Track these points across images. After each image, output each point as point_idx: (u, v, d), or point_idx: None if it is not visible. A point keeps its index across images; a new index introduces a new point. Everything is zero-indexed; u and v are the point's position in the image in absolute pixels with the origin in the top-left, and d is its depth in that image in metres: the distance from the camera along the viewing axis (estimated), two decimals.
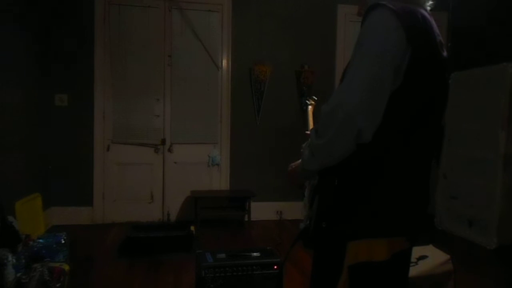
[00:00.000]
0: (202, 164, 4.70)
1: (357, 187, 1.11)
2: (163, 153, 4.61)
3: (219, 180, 4.74)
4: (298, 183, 1.33)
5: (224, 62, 4.70)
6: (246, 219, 4.50)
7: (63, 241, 2.96)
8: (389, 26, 1.03)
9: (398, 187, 1.12)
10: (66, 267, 2.72)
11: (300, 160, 1.22)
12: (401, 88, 1.05)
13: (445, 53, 1.14)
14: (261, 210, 4.60)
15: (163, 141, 4.60)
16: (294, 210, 4.78)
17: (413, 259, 2.20)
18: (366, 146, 1.05)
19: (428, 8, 1.18)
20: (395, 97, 1.05)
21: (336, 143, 1.06)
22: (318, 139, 1.10)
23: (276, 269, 2.41)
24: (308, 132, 1.40)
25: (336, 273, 1.14)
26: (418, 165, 1.14)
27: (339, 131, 1.04)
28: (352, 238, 1.12)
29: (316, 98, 1.79)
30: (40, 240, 2.90)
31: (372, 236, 1.11)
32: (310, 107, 1.75)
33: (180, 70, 4.61)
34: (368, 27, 1.07)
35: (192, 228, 3.72)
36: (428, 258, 2.40)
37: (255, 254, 2.50)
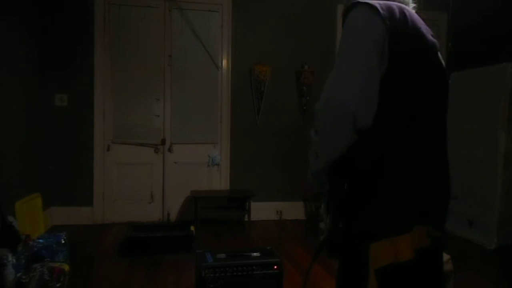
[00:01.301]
0: (202, 164, 4.70)
1: (365, 186, 1.11)
2: (163, 153, 4.61)
3: (219, 180, 4.74)
4: (312, 193, 1.33)
5: (224, 62, 4.70)
6: (246, 219, 4.49)
7: (63, 241, 2.96)
8: (367, 17, 1.09)
9: (406, 178, 1.11)
10: (66, 267, 2.72)
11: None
12: (389, 73, 1.07)
13: (433, 39, 1.17)
14: (261, 210, 4.60)
15: (163, 141, 4.60)
16: (294, 210, 4.79)
17: None
18: (368, 142, 1.06)
19: (413, 10, 1.21)
20: (387, 85, 1.06)
21: (336, 132, 1.07)
22: (317, 135, 1.11)
23: (276, 269, 2.41)
24: None
25: (363, 279, 1.12)
26: (424, 151, 1.14)
27: (336, 120, 1.05)
28: (372, 240, 1.10)
29: None
30: (40, 240, 2.90)
31: (391, 233, 1.09)
32: None
33: (180, 70, 4.61)
34: (348, 23, 1.13)
35: (192, 228, 3.72)
36: None
37: (255, 254, 2.49)
